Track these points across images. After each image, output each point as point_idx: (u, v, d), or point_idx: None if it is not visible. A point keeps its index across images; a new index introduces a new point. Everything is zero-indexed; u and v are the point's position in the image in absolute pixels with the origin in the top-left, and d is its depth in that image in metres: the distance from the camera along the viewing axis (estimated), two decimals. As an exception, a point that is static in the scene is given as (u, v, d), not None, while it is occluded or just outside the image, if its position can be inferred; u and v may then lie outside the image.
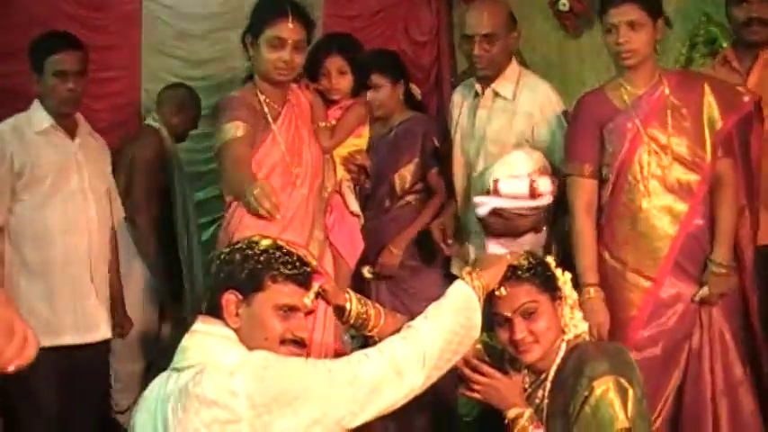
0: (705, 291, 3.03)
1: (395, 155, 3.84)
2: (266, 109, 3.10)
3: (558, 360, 2.41)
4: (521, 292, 2.37)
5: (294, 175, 3.10)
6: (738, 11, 3.38)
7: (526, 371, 2.47)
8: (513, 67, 3.53)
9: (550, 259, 2.51)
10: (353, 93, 3.44)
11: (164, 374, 2.10)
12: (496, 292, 2.35)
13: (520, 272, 2.37)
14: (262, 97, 3.11)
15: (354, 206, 3.43)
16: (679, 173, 3.05)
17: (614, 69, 3.99)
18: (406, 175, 3.85)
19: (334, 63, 3.42)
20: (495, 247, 3.25)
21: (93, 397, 3.62)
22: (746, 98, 3.08)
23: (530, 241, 3.30)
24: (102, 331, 3.58)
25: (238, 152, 2.93)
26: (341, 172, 3.42)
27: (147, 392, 2.12)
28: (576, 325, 2.46)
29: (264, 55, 3.05)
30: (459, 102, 3.67)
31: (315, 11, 4.56)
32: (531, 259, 2.42)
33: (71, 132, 3.57)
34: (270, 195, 2.69)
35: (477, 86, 3.55)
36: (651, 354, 3.04)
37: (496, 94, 3.49)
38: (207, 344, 2.08)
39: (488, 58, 3.43)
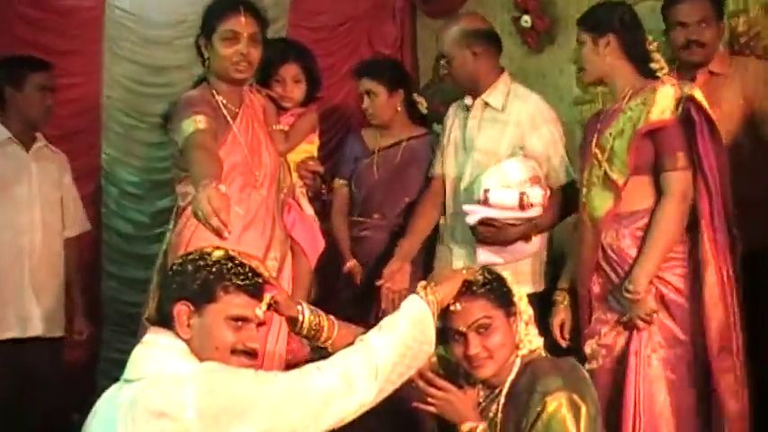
0: (628, 315, 2.96)
1: (405, 179, 3.84)
2: (224, 110, 3.09)
3: (512, 375, 2.41)
4: (475, 308, 2.37)
5: (254, 177, 3.10)
6: (677, 34, 3.41)
7: (480, 385, 2.48)
8: (505, 78, 3.54)
9: (507, 274, 2.51)
10: (304, 101, 3.51)
11: (115, 385, 2.09)
12: (451, 308, 2.36)
13: (475, 287, 2.38)
14: (219, 98, 3.10)
15: (309, 210, 3.46)
16: (607, 186, 3.02)
17: (576, 87, 4.09)
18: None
19: (290, 71, 3.47)
20: (485, 255, 3.29)
21: (40, 392, 3.76)
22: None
23: (520, 249, 3.33)
24: (36, 328, 3.78)
25: (204, 142, 2.82)
26: (294, 178, 3.44)
27: (98, 403, 2.10)
28: (531, 340, 2.46)
29: (220, 51, 3.05)
30: (450, 118, 3.67)
31: (280, 20, 4.61)
32: (486, 275, 2.43)
33: (27, 144, 3.87)
34: (220, 211, 2.32)
35: (468, 99, 3.57)
36: (591, 367, 3.00)
37: (486, 105, 3.50)
38: (157, 355, 2.06)
39: (450, 76, 3.55)
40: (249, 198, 3.06)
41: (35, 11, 4.55)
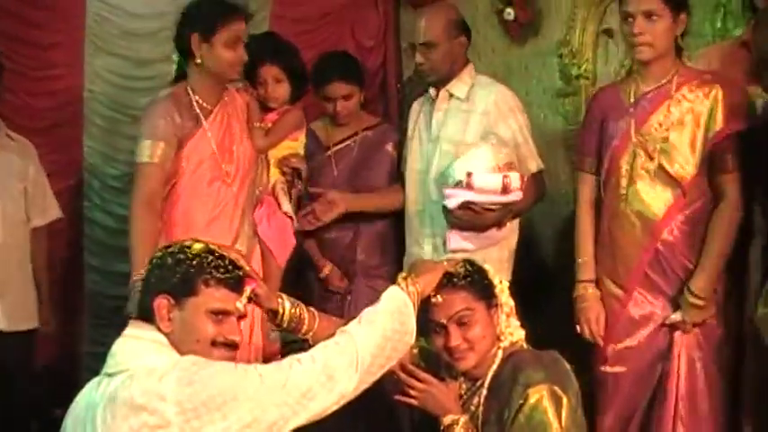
0: (678, 317, 2.91)
1: (367, 173, 3.78)
2: (197, 109, 3.15)
3: (494, 367, 2.42)
4: (456, 300, 2.37)
5: (224, 172, 3.17)
6: None
7: (462, 377, 2.48)
8: (469, 70, 3.53)
9: (488, 267, 2.51)
10: (292, 99, 3.51)
11: (95, 379, 2.08)
12: (432, 299, 2.36)
13: (456, 279, 2.38)
14: (195, 97, 3.15)
15: (287, 207, 3.45)
16: (662, 180, 2.94)
17: (559, 79, 4.09)
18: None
19: (270, 71, 3.48)
20: (456, 240, 3.28)
21: (9, 387, 3.75)
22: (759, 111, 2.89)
23: (491, 235, 3.32)
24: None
25: (152, 195, 3.08)
26: (276, 174, 3.43)
27: (78, 397, 2.09)
28: (513, 333, 2.46)
29: (223, 55, 3.10)
30: (415, 113, 3.65)
31: (262, 11, 4.59)
32: (468, 266, 2.43)
33: None
34: None
35: (432, 91, 3.55)
36: (619, 370, 2.99)
37: (451, 95, 3.50)
38: (137, 348, 2.06)
39: (429, 65, 3.46)
40: (217, 194, 3.17)
41: (15, 3, 4.49)
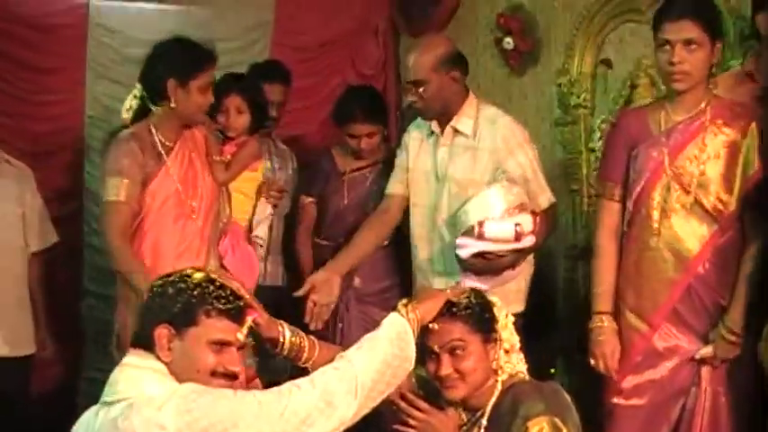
0: (709, 351, 2.84)
1: (376, 205, 3.74)
2: (159, 146, 3.25)
3: (493, 398, 2.40)
4: (452, 329, 2.36)
5: (190, 207, 3.27)
6: None
7: (462, 408, 2.46)
8: (471, 101, 3.41)
9: (496, 299, 2.48)
10: (250, 131, 3.65)
11: (93, 408, 2.06)
12: (429, 326, 2.34)
13: (455, 309, 2.36)
14: (157, 135, 3.25)
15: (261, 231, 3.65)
16: (697, 215, 2.85)
17: (558, 108, 4.11)
18: None
19: (233, 102, 3.61)
20: (471, 283, 3.09)
21: (8, 411, 3.74)
22: None
23: (505, 275, 3.24)
24: (1, 349, 3.78)
25: (122, 230, 3.19)
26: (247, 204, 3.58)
27: (76, 426, 2.08)
28: (514, 366, 2.44)
29: (196, 99, 3.24)
30: (416, 142, 3.53)
31: (262, 39, 4.63)
32: (471, 298, 2.40)
33: None
34: None
35: (434, 125, 3.44)
36: (636, 403, 2.93)
37: (456, 132, 3.39)
38: (137, 377, 2.04)
39: (422, 103, 3.36)
40: (183, 229, 3.27)
41: (18, 27, 4.52)
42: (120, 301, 3.36)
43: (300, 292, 3.20)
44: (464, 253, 3.13)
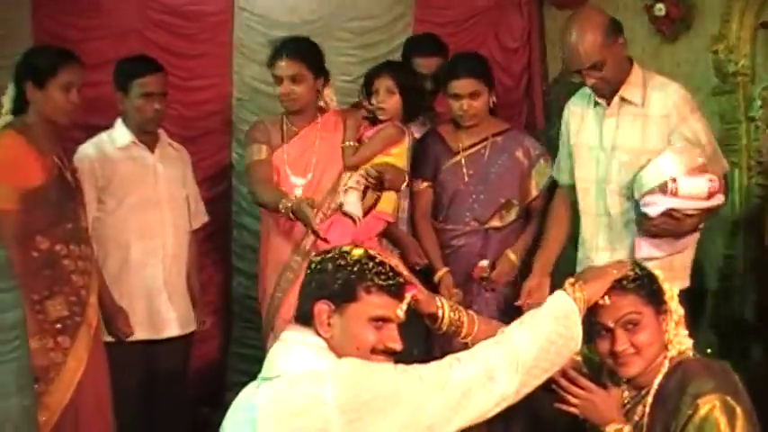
0: None
1: (497, 178, 3.75)
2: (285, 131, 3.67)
3: (660, 376, 2.32)
4: (624, 303, 2.30)
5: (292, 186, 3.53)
6: None
7: (626, 386, 2.40)
8: (635, 69, 3.30)
9: (659, 272, 2.40)
10: (408, 113, 3.65)
11: (252, 384, 2.10)
12: (599, 302, 2.28)
13: (625, 282, 2.30)
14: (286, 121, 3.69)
15: (351, 207, 3.49)
16: None
17: (714, 76, 3.93)
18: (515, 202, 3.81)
19: (383, 83, 3.59)
20: (647, 249, 3.12)
21: (172, 387, 3.86)
22: None
23: (681, 242, 3.15)
24: (172, 329, 3.84)
25: (263, 173, 3.61)
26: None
27: (236, 400, 2.11)
28: (681, 342, 2.36)
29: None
30: (576, 117, 3.43)
31: (405, 17, 4.63)
32: (637, 270, 2.34)
33: (151, 146, 3.88)
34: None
35: (597, 96, 3.33)
36: None
37: (623, 100, 3.27)
38: (296, 352, 2.07)
39: (603, 82, 3.23)
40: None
41: (166, 16, 4.65)
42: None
43: (521, 302, 3.44)
44: (653, 210, 3.05)
